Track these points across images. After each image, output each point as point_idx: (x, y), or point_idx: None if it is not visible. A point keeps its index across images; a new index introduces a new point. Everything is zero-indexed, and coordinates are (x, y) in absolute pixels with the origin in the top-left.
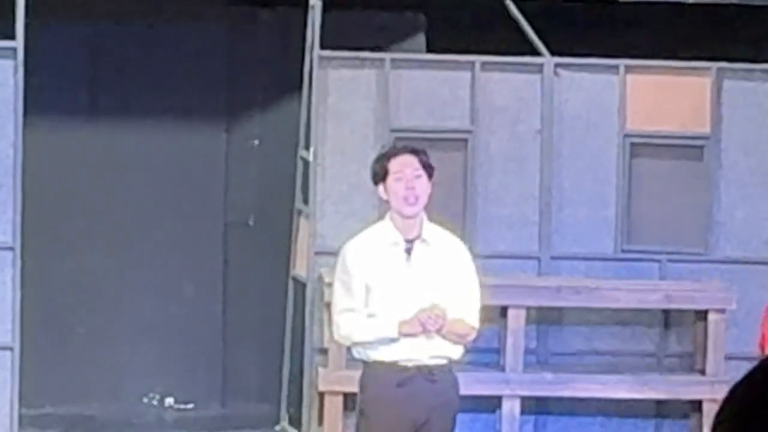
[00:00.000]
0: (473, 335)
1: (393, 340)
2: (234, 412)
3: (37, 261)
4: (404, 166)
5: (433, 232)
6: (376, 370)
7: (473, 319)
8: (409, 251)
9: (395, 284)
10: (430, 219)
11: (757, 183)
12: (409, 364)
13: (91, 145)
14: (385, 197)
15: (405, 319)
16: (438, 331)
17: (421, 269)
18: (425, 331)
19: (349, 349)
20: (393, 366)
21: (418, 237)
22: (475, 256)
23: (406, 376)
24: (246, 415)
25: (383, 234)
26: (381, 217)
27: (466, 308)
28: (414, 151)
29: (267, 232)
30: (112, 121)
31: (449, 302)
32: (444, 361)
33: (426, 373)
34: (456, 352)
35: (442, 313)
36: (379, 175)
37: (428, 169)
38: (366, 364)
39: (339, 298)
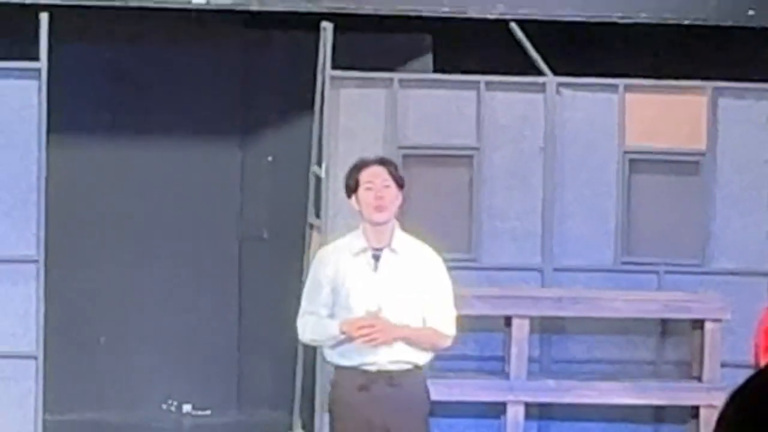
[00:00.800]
0: (448, 342)
1: (343, 342)
2: (249, 419)
3: (60, 273)
4: (374, 176)
5: (404, 241)
6: (342, 373)
7: (447, 327)
8: (376, 258)
9: (360, 290)
10: (414, 232)
11: (751, 198)
12: (372, 369)
13: (111, 162)
14: (357, 208)
15: (348, 320)
16: (373, 343)
17: (387, 276)
18: (365, 338)
19: None
20: (356, 370)
21: (387, 246)
22: (480, 268)
23: (367, 381)
24: (260, 421)
25: (353, 242)
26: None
27: (439, 316)
28: (383, 162)
29: (281, 245)
30: (131, 139)
31: (413, 309)
32: (408, 367)
33: (387, 378)
34: (422, 357)
35: (386, 331)
36: (351, 187)
37: (397, 179)
38: (336, 367)
39: (303, 301)
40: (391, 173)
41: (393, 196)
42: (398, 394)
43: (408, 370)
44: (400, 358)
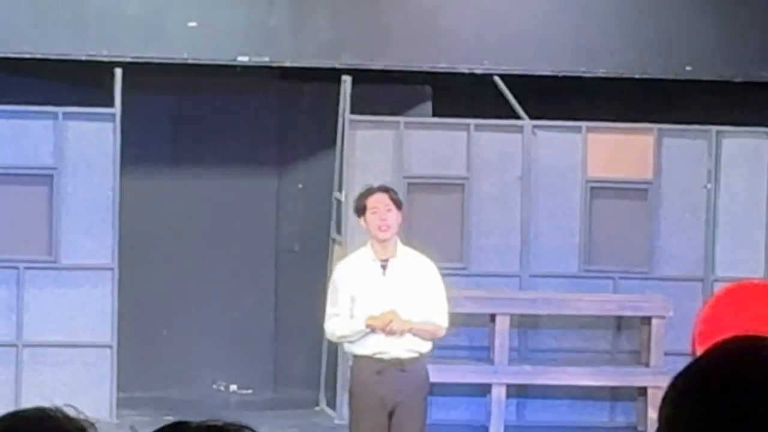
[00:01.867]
0: (443, 332)
1: (366, 334)
2: (283, 396)
3: (131, 279)
4: (378, 202)
5: (405, 252)
6: (360, 361)
7: (442, 320)
8: (384, 267)
9: (373, 294)
10: (422, 245)
11: (689, 218)
12: (386, 357)
13: (172, 188)
14: (365, 226)
15: (371, 316)
16: (391, 333)
17: (394, 282)
18: (384, 329)
19: None
20: (372, 358)
21: (393, 256)
22: (470, 275)
23: (382, 367)
24: (293, 398)
25: (364, 256)
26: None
27: (435, 311)
28: (385, 190)
29: (309, 256)
30: (189, 170)
31: (417, 306)
32: (415, 355)
33: (399, 364)
34: (425, 346)
35: (397, 321)
36: (360, 210)
37: (397, 203)
38: (354, 357)
39: (328, 307)
40: (392, 198)
41: (394, 217)
42: (407, 377)
43: (415, 358)
44: (408, 347)
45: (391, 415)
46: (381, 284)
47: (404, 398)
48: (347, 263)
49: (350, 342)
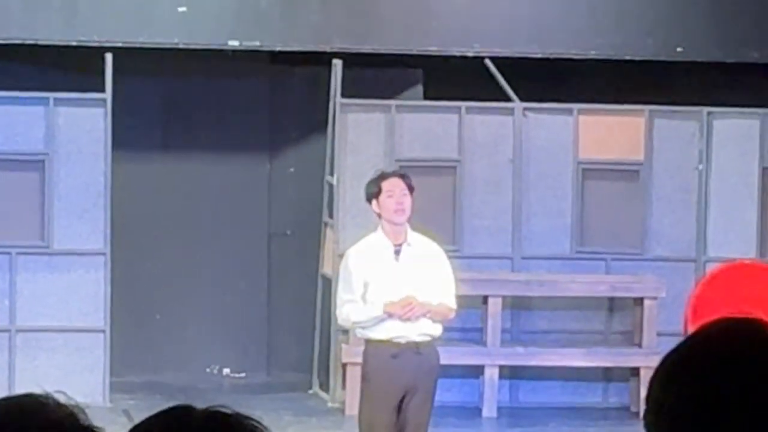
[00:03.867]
0: (452, 315)
1: (383, 320)
2: (276, 380)
3: (122, 263)
4: (394, 186)
5: (416, 238)
6: (375, 346)
7: (452, 303)
8: (397, 253)
9: (387, 279)
10: (416, 228)
11: (680, 199)
12: (401, 341)
13: (163, 172)
14: (377, 211)
15: (389, 302)
16: (408, 318)
17: (408, 266)
18: (402, 314)
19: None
20: (388, 342)
21: (404, 242)
22: (462, 257)
23: (398, 351)
24: (286, 381)
25: (377, 241)
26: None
27: (445, 295)
28: (401, 175)
29: (301, 239)
30: (179, 155)
31: (430, 291)
32: (428, 338)
33: (413, 347)
34: (437, 330)
35: (417, 305)
36: (374, 193)
37: (411, 189)
38: (367, 341)
39: (341, 293)
40: (407, 184)
41: (409, 202)
42: (421, 360)
43: (428, 341)
44: (422, 331)
45: (403, 397)
46: (395, 269)
47: (419, 381)
48: (360, 249)
49: (364, 328)
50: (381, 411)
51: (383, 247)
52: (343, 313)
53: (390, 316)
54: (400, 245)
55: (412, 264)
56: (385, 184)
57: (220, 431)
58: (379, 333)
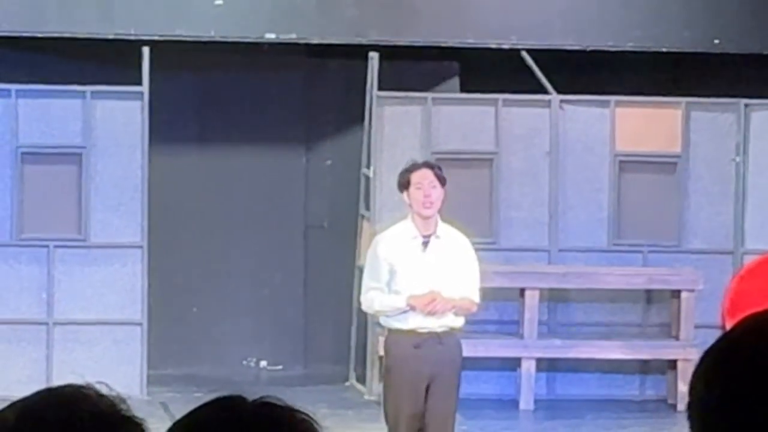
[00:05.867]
0: (475, 309)
1: (406, 311)
2: (313, 372)
3: (160, 256)
4: (423, 178)
5: (445, 229)
6: (397, 335)
7: (475, 296)
8: (425, 244)
9: (414, 269)
10: (448, 220)
11: (718, 191)
12: (423, 331)
13: (201, 165)
14: (408, 201)
15: (414, 295)
16: (432, 314)
17: (435, 258)
18: (425, 309)
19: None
20: (410, 332)
21: (433, 233)
22: (499, 249)
23: (420, 340)
24: (322, 374)
25: (406, 230)
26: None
27: (470, 288)
28: (430, 166)
29: (338, 232)
30: (217, 148)
31: (455, 284)
32: (449, 330)
33: (435, 337)
34: (458, 322)
35: (441, 300)
36: (403, 185)
37: (441, 180)
38: (390, 331)
39: (367, 279)
40: (436, 175)
41: (438, 194)
42: (443, 350)
43: (450, 332)
44: (444, 323)
45: (427, 387)
46: (421, 261)
47: (441, 371)
48: (388, 237)
49: (387, 317)
50: (405, 401)
51: (412, 237)
52: (368, 299)
53: (413, 309)
54: (429, 237)
55: (439, 256)
56: (414, 176)
57: (271, 423)
58: (402, 323)
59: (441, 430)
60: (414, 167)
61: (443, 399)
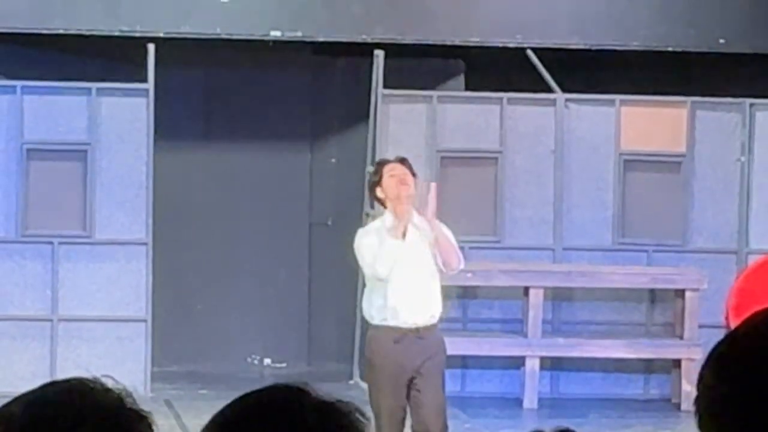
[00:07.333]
0: (456, 260)
1: (387, 302)
2: (317, 370)
3: (164, 253)
4: (394, 168)
5: (418, 218)
6: (378, 331)
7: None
8: (404, 234)
9: (396, 251)
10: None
11: (722, 191)
12: (403, 326)
13: (205, 162)
14: (381, 195)
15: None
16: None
17: (411, 242)
18: (403, 212)
19: None
20: (389, 328)
21: (410, 222)
22: (503, 248)
23: (400, 336)
24: (327, 372)
25: (386, 221)
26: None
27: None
28: (401, 160)
29: (342, 230)
30: (222, 145)
31: (433, 263)
32: (430, 322)
33: (415, 332)
34: (437, 308)
35: (433, 199)
36: (376, 180)
37: (412, 172)
38: (372, 326)
39: (368, 259)
40: (407, 167)
41: (411, 181)
42: (424, 344)
43: (430, 326)
44: (424, 315)
45: (410, 383)
46: (401, 247)
47: (423, 365)
48: (370, 228)
49: (367, 311)
50: (387, 396)
51: (391, 227)
52: (374, 266)
53: (401, 217)
54: (405, 226)
55: (415, 240)
56: (386, 168)
57: (331, 418)
58: (384, 319)
59: (436, 424)
60: (384, 161)
61: (433, 393)
